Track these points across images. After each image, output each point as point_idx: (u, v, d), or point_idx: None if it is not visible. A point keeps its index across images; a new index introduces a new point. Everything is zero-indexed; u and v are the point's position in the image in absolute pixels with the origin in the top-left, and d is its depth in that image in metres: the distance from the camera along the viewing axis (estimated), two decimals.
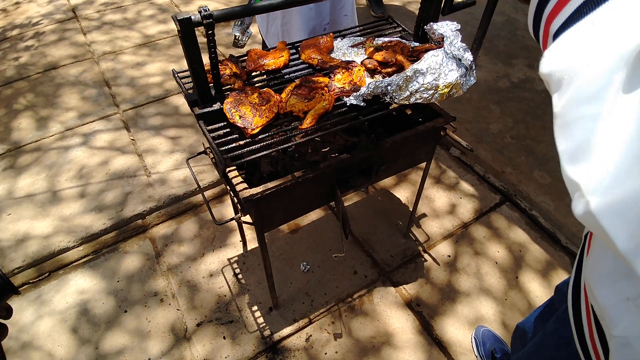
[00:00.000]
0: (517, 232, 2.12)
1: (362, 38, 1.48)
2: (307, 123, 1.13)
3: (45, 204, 2.18)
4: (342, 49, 1.43)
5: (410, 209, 2.21)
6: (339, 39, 1.48)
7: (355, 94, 1.18)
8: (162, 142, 2.53)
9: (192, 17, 0.95)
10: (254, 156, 1.05)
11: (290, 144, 1.09)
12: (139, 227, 2.12)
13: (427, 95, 1.18)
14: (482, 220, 2.18)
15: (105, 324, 1.77)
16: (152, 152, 2.47)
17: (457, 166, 2.47)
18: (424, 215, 2.19)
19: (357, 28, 1.55)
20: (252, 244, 2.05)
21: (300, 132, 1.12)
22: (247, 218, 1.35)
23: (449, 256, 2.01)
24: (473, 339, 1.71)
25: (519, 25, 3.55)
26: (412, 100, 1.19)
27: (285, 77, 1.32)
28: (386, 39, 1.42)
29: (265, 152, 1.06)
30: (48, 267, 1.96)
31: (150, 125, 2.65)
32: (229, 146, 1.08)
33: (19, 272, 1.93)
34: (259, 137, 1.09)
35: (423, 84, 1.17)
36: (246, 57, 1.34)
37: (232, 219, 1.26)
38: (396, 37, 1.45)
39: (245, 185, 1.20)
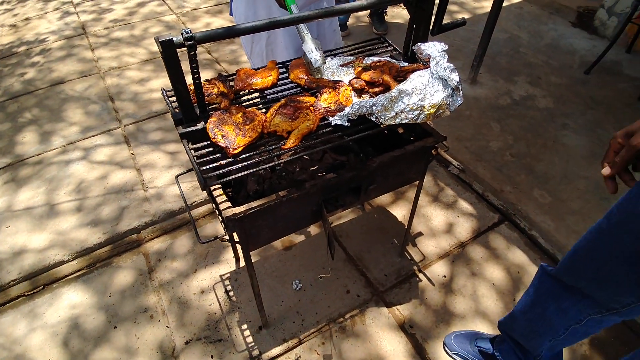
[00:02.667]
0: (516, 252, 2.07)
1: (352, 57, 1.48)
2: (291, 143, 1.13)
3: (43, 217, 2.20)
4: (332, 68, 1.44)
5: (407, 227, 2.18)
6: (329, 58, 1.49)
7: (339, 114, 1.18)
8: (161, 157, 2.55)
9: (174, 39, 0.97)
10: (233, 176, 1.05)
11: (269, 165, 1.08)
12: (133, 241, 2.13)
13: (413, 116, 1.17)
14: (480, 239, 2.13)
15: (95, 339, 1.76)
16: (150, 167, 2.49)
17: (456, 184, 2.44)
18: (420, 233, 2.16)
19: (348, 47, 1.56)
20: None
21: (282, 151, 1.11)
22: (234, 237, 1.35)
23: (445, 276, 1.97)
24: (448, 350, 1.67)
25: (522, 42, 3.55)
26: (398, 120, 1.18)
27: (271, 97, 1.32)
28: (376, 59, 1.42)
29: (244, 173, 1.06)
30: (42, 280, 1.97)
31: (151, 140, 2.68)
32: (210, 165, 1.08)
33: (14, 285, 1.94)
34: (241, 156, 1.09)
35: (408, 105, 1.17)
36: (235, 76, 1.35)
37: (216, 238, 1.25)
38: (386, 57, 1.45)
39: (228, 204, 1.20)
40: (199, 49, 3.63)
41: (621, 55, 3.31)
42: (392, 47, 1.56)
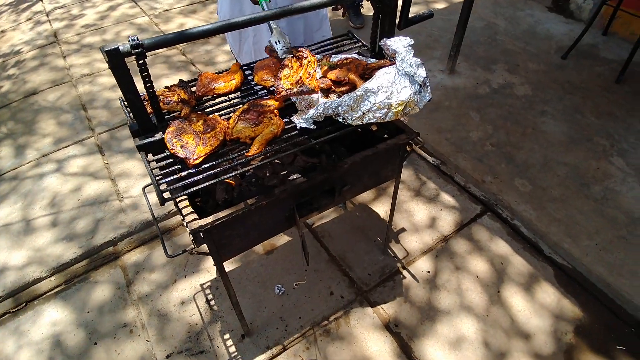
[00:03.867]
0: (499, 243, 2.06)
1: (319, 56, 1.44)
2: (254, 150, 1.08)
3: (20, 233, 2.14)
4: None
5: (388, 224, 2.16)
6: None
7: (304, 116, 1.14)
8: (136, 165, 2.49)
9: (120, 48, 0.91)
10: (192, 189, 1.00)
11: (232, 174, 1.04)
12: (110, 254, 2.07)
13: (381, 115, 1.14)
14: (463, 232, 2.12)
15: (77, 356, 1.71)
16: (125, 176, 2.42)
17: (437, 177, 2.42)
18: (403, 229, 2.14)
19: (315, 45, 1.52)
20: (227, 267, 1.99)
21: (246, 159, 1.07)
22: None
23: (429, 272, 1.95)
24: None
25: (499, 29, 3.53)
26: (366, 120, 1.15)
27: (235, 101, 1.28)
28: (343, 56, 1.38)
29: (204, 185, 1.01)
30: (24, 297, 1.92)
31: (125, 148, 2.61)
32: (170, 178, 1.03)
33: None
34: (202, 167, 1.05)
35: (375, 103, 1.13)
36: (196, 81, 1.30)
37: (184, 252, 1.21)
38: (354, 54, 1.41)
39: (194, 215, 1.15)
40: (173, 51, 3.56)
41: (598, 38, 3.31)
42: (360, 43, 1.52)
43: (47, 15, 4.30)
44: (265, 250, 2.05)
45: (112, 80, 3.21)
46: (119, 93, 3.07)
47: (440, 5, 3.98)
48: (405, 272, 1.95)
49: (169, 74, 3.27)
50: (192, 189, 1.01)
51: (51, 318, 1.84)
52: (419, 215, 2.20)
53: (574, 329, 1.74)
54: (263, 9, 1.35)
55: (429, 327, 1.76)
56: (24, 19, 4.32)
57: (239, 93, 1.30)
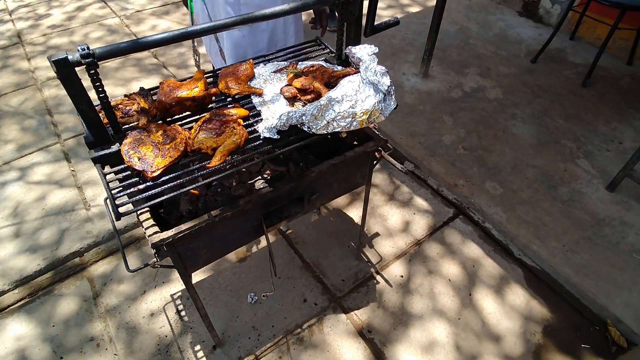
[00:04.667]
0: (471, 246, 2.09)
1: (285, 62, 1.42)
2: (216, 161, 1.06)
3: None
4: (264, 75, 1.37)
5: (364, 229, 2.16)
6: (261, 65, 1.42)
7: (268, 125, 1.12)
8: None
9: (70, 57, 0.87)
10: (149, 203, 0.97)
11: (191, 187, 1.01)
12: (76, 265, 2.00)
13: (345, 124, 1.13)
14: (436, 236, 2.14)
15: None
16: (92, 184, 2.35)
17: (411, 180, 2.43)
18: (377, 234, 2.14)
19: (283, 52, 1.50)
20: (198, 276, 1.95)
21: (207, 171, 1.04)
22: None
23: (402, 276, 1.96)
24: None
25: (471, 33, 3.59)
26: (330, 129, 1.14)
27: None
28: (309, 63, 1.37)
29: (162, 199, 0.98)
30: None
31: None
32: (127, 192, 1.00)
33: None
34: (161, 179, 1.02)
35: (339, 112, 1.12)
36: (158, 89, 1.26)
37: (146, 265, 1.17)
38: (320, 61, 1.40)
39: (156, 229, 1.12)
40: (144, 53, 3.47)
41: (565, 42, 3.40)
42: (328, 50, 1.51)
43: (10, 14, 4.14)
44: (237, 258, 2.02)
45: None
46: None
47: (414, 9, 4.02)
48: (378, 277, 1.95)
49: (139, 77, 3.19)
50: (149, 203, 0.97)
51: (15, 332, 1.76)
52: (392, 220, 2.21)
53: (542, 330, 1.77)
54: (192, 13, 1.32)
55: (402, 332, 1.76)
56: None
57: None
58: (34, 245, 2.05)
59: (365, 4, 1.28)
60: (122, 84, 3.11)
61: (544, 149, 2.53)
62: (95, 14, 4.05)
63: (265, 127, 1.12)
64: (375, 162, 1.51)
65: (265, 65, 1.42)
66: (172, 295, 1.87)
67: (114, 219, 0.93)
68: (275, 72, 1.38)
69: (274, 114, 1.22)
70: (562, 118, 2.72)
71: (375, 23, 1.31)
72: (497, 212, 2.19)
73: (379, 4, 4.10)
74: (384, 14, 3.93)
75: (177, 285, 1.91)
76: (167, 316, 1.80)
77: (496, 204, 2.22)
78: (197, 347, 1.70)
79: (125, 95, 1.21)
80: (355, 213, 2.23)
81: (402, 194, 2.35)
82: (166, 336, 1.74)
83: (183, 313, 1.81)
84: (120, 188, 1.03)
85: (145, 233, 1.12)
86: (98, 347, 1.72)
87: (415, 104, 2.88)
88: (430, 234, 2.14)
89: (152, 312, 1.82)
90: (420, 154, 2.52)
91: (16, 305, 1.86)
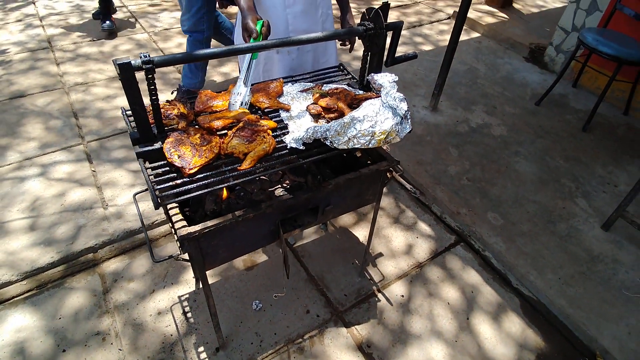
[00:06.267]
0: (470, 273, 2.16)
1: (311, 84, 1.55)
2: (247, 164, 1.16)
3: None
4: (292, 94, 1.50)
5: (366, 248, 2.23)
6: (289, 84, 1.55)
7: (295, 137, 1.23)
8: (123, 175, 2.52)
9: (132, 62, 1.00)
10: (187, 196, 1.07)
11: (224, 185, 1.11)
12: (89, 261, 2.07)
13: (364, 141, 1.24)
14: (437, 260, 2.21)
15: None
16: (112, 185, 2.45)
17: (416, 206, 2.53)
18: (381, 254, 2.22)
19: (309, 75, 1.63)
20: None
21: (237, 173, 1.15)
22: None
23: (403, 296, 2.02)
24: None
25: (480, 74, 3.78)
26: (351, 145, 1.25)
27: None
28: (333, 86, 1.50)
29: (199, 192, 1.08)
30: None
31: (114, 157, 2.64)
32: (165, 185, 1.10)
33: None
34: (197, 176, 1.12)
35: (360, 130, 1.24)
36: (196, 98, 1.39)
37: (171, 257, 1.26)
38: (343, 85, 1.53)
39: (184, 223, 1.21)
40: (170, 69, 3.65)
41: (568, 89, 3.59)
42: (350, 76, 1.65)
43: (41, 20, 4.36)
44: (245, 266, 2.09)
45: (107, 91, 3.27)
46: (112, 104, 3.14)
47: (427, 47, 4.24)
48: (380, 295, 2.02)
49: (163, 89, 3.35)
50: (186, 196, 1.07)
51: (16, 324, 1.80)
52: (396, 242, 2.29)
53: (535, 358, 1.82)
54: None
55: (400, 349, 1.81)
56: (13, 20, 4.35)
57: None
58: (49, 239, 2.13)
59: (389, 35, 1.42)
60: (145, 94, 3.25)
61: (544, 186, 2.64)
62: (126, 28, 4.27)
63: (292, 139, 1.23)
64: (386, 181, 1.61)
65: (292, 85, 1.56)
66: (179, 297, 1.93)
67: (155, 207, 1.02)
68: (302, 91, 1.51)
69: (299, 127, 1.34)
70: (563, 159, 2.85)
71: (396, 55, 1.45)
72: (497, 241, 2.27)
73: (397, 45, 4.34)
74: (398, 50, 4.14)
75: (185, 287, 1.97)
76: (173, 316, 1.86)
77: (496, 234, 2.31)
78: (201, 349, 1.75)
79: (167, 101, 1.33)
80: (360, 232, 2.32)
81: (407, 218, 2.44)
82: (171, 335, 1.79)
83: (189, 314, 1.87)
84: (155, 182, 1.13)
85: (174, 227, 1.21)
86: (103, 342, 1.76)
87: (423, 134, 3.02)
88: (432, 258, 2.22)
89: (160, 311, 1.87)
90: (425, 182, 2.62)
91: (22, 296, 1.91)
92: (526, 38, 4.15)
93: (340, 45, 1.84)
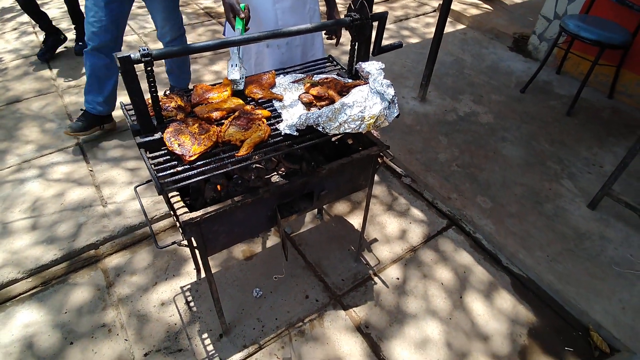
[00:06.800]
0: (462, 254, 2.24)
1: (302, 75, 1.62)
2: (243, 151, 1.22)
3: None
4: (284, 85, 1.56)
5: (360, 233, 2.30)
6: (281, 76, 1.62)
7: (288, 123, 1.29)
8: (120, 173, 2.56)
9: (132, 55, 1.05)
10: (189, 181, 1.13)
11: (224, 170, 1.17)
12: (91, 257, 2.11)
13: (355, 126, 1.31)
14: (430, 244, 2.29)
15: (50, 357, 1.72)
16: (110, 183, 2.49)
17: (408, 193, 2.61)
18: (376, 240, 2.29)
19: (300, 66, 1.70)
20: None
21: (235, 159, 1.21)
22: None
23: (398, 279, 2.09)
24: None
25: (466, 64, 3.86)
26: (342, 130, 1.32)
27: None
28: (324, 76, 1.56)
29: (201, 177, 1.14)
30: None
31: (110, 156, 2.68)
32: (167, 172, 1.15)
33: None
34: (197, 163, 1.18)
35: (350, 115, 1.30)
36: (192, 91, 1.44)
37: (174, 243, 1.31)
38: (333, 75, 1.60)
39: (185, 209, 1.27)
40: (161, 68, 3.69)
41: (552, 76, 3.68)
42: (339, 67, 1.71)
43: (34, 27, 4.37)
44: (245, 256, 2.15)
45: None
46: None
47: (414, 40, 4.31)
48: (376, 279, 2.09)
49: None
50: (188, 181, 1.13)
51: (24, 320, 1.85)
52: (390, 228, 2.36)
53: (527, 332, 1.90)
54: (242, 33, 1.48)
55: (397, 329, 1.88)
56: (9, 29, 4.37)
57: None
58: (51, 237, 2.17)
59: (375, 26, 1.48)
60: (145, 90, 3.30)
61: (531, 169, 2.72)
62: None
63: (286, 125, 1.29)
64: (377, 166, 1.68)
65: (284, 76, 1.62)
66: (182, 287, 1.99)
67: (159, 193, 1.08)
68: (293, 82, 1.57)
69: (292, 116, 1.40)
70: (548, 143, 2.94)
71: (382, 45, 1.51)
72: (487, 223, 2.35)
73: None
74: (385, 43, 4.22)
75: (186, 278, 2.03)
76: (176, 306, 1.91)
77: (486, 216, 2.39)
78: (205, 335, 1.81)
79: (165, 94, 1.38)
80: (354, 220, 2.39)
81: (400, 204, 2.51)
82: (175, 324, 1.85)
83: (192, 304, 1.93)
84: (157, 171, 1.18)
85: (176, 213, 1.27)
86: (109, 333, 1.82)
87: (413, 124, 3.09)
88: (425, 242, 2.29)
89: (163, 302, 1.93)
90: (416, 169, 2.70)
91: (27, 293, 1.96)
92: (510, 28, 4.24)
93: (327, 39, 1.90)
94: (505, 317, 1.96)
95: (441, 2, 2.91)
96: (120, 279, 2.03)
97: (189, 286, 2.00)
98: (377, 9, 5.01)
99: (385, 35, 4.35)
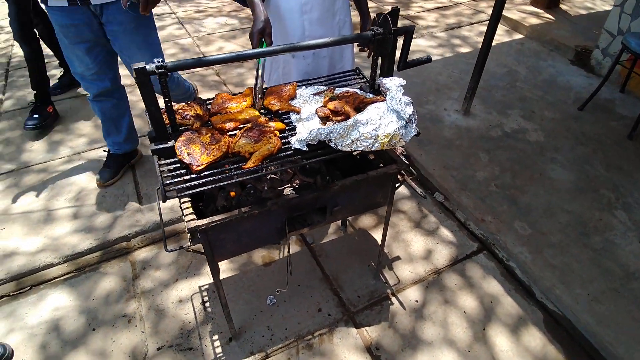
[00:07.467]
0: (491, 282, 2.09)
1: (325, 87, 1.59)
2: (251, 163, 1.23)
3: (39, 222, 2.34)
4: (304, 96, 1.55)
5: (386, 251, 2.23)
6: (304, 87, 1.60)
7: (299, 138, 1.27)
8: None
9: (147, 67, 1.09)
10: (191, 191, 1.15)
11: (227, 182, 1.18)
12: (122, 249, 2.24)
13: (367, 144, 1.26)
14: (457, 267, 2.16)
15: (73, 341, 1.84)
16: (148, 180, 2.62)
17: (439, 211, 2.49)
18: (398, 258, 2.21)
19: (324, 78, 1.67)
20: (226, 273, 2.12)
21: (241, 171, 1.21)
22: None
23: (417, 301, 2.00)
24: None
25: (519, 77, 3.63)
26: (354, 147, 1.27)
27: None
28: (345, 89, 1.53)
29: (202, 188, 1.16)
30: (29, 281, 2.06)
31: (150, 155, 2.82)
32: (174, 180, 1.18)
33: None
34: (203, 173, 1.20)
35: (363, 133, 1.26)
36: (212, 100, 1.47)
37: (181, 248, 1.35)
38: (355, 89, 1.56)
39: (193, 216, 1.29)
40: (209, 71, 3.84)
41: (615, 94, 3.35)
42: (365, 80, 1.67)
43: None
44: (263, 262, 2.17)
45: None
46: None
47: (464, 50, 4.13)
48: (393, 299, 2.01)
49: (201, 91, 3.53)
50: (191, 191, 1.15)
51: (55, 303, 1.97)
52: (415, 246, 2.27)
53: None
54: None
55: (409, 355, 1.80)
56: None
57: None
58: (89, 227, 2.33)
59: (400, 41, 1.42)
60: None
61: (581, 195, 2.49)
62: (173, 33, 4.54)
63: (296, 140, 1.28)
64: (397, 184, 1.62)
65: (306, 88, 1.60)
66: (200, 287, 2.04)
67: (162, 201, 1.11)
68: (314, 94, 1.56)
69: (307, 129, 1.38)
70: (604, 167, 2.67)
71: (408, 59, 1.45)
72: (522, 252, 2.18)
73: (430, 42, 4.27)
74: (433, 52, 4.08)
75: (205, 278, 2.08)
76: (193, 305, 1.97)
77: (523, 243, 2.22)
78: (215, 337, 1.84)
79: (186, 103, 1.42)
80: (379, 235, 2.31)
81: (429, 223, 2.40)
82: (189, 322, 1.90)
83: (207, 304, 1.97)
84: (169, 177, 1.22)
85: (184, 219, 1.30)
86: (129, 324, 1.91)
87: (453, 138, 2.95)
88: (451, 265, 2.17)
89: (181, 299, 1.99)
90: (451, 187, 2.57)
91: (61, 278, 2.10)
92: (572, 40, 3.91)
93: (359, 50, 1.86)
94: (531, 357, 1.80)
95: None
96: (146, 272, 2.12)
97: (207, 286, 2.05)
98: (429, 16, 4.86)
99: (433, 43, 4.25)
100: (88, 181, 2.62)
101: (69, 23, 1.99)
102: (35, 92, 3.03)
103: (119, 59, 2.33)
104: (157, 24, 4.72)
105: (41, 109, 3.01)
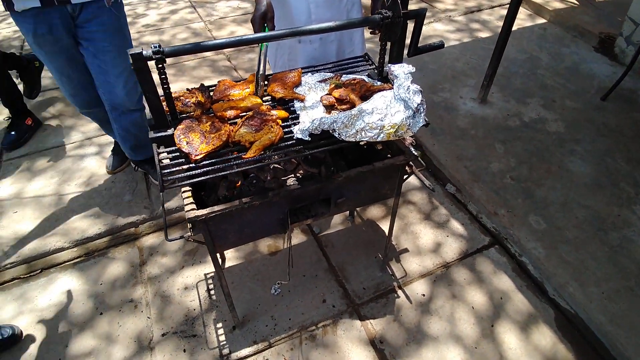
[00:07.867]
0: (502, 278, 2.03)
1: (331, 74, 1.53)
2: (251, 153, 1.19)
3: (51, 206, 2.37)
4: (310, 84, 1.49)
5: (394, 243, 2.19)
6: (309, 74, 1.55)
7: (302, 128, 1.23)
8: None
9: (143, 52, 1.06)
10: (189, 181, 1.12)
11: (225, 173, 1.15)
12: (130, 235, 2.25)
13: (372, 134, 1.21)
14: (466, 261, 2.11)
15: (80, 324, 1.87)
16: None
17: (450, 203, 2.42)
18: (406, 250, 2.16)
19: (331, 64, 1.61)
20: (231, 262, 2.11)
21: (241, 161, 1.18)
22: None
23: (424, 295, 1.96)
24: None
25: (540, 63, 3.47)
26: (359, 137, 1.22)
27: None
28: (352, 77, 1.47)
29: (200, 179, 1.13)
30: (40, 264, 2.10)
31: None
32: (172, 169, 1.16)
33: (11, 267, 2.08)
34: (202, 163, 1.17)
35: (368, 123, 1.21)
36: (214, 87, 1.44)
37: (181, 237, 1.33)
38: (363, 75, 1.49)
39: (193, 206, 1.27)
40: (220, 56, 3.79)
41: (639, 84, 3.18)
42: (374, 66, 1.60)
43: None
44: (269, 251, 2.15)
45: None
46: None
47: (484, 34, 3.97)
48: (400, 292, 1.97)
49: (212, 76, 3.50)
50: (188, 181, 1.13)
51: (64, 287, 2.00)
52: (424, 239, 2.21)
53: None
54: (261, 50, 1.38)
55: (414, 349, 1.77)
56: None
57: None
58: (99, 212, 2.35)
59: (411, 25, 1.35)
60: (195, 81, 3.44)
61: (600, 190, 2.38)
62: (185, 17, 4.50)
63: (299, 129, 1.23)
64: (405, 176, 1.56)
65: (312, 74, 1.55)
66: (205, 275, 2.05)
67: (160, 190, 1.09)
68: (320, 81, 1.50)
69: (310, 118, 1.33)
70: (625, 161, 2.55)
71: (419, 45, 1.37)
72: (536, 247, 2.10)
73: (447, 27, 4.11)
74: (451, 37, 3.93)
75: (211, 266, 2.08)
76: (198, 292, 1.98)
77: (537, 238, 2.14)
78: (219, 325, 1.84)
79: (187, 89, 1.39)
80: (387, 226, 2.26)
81: (439, 215, 2.34)
82: (194, 310, 1.91)
83: (212, 292, 1.97)
84: (169, 166, 1.20)
85: (185, 208, 1.28)
86: (135, 309, 1.93)
87: (467, 128, 2.85)
88: (461, 259, 2.12)
89: (186, 286, 2.00)
90: (463, 178, 2.49)
91: (71, 262, 2.13)
92: (596, 26, 3.71)
93: (371, 33, 1.78)
94: (540, 356, 1.74)
95: None
96: (153, 258, 2.14)
97: (212, 274, 2.05)
98: None
99: (451, 28, 4.10)
100: (99, 166, 2.63)
101: (44, 32, 1.76)
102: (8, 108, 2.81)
103: None
104: (170, 7, 4.71)
105: (18, 124, 2.81)
